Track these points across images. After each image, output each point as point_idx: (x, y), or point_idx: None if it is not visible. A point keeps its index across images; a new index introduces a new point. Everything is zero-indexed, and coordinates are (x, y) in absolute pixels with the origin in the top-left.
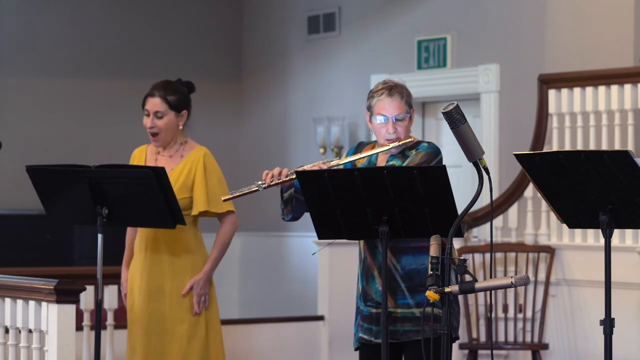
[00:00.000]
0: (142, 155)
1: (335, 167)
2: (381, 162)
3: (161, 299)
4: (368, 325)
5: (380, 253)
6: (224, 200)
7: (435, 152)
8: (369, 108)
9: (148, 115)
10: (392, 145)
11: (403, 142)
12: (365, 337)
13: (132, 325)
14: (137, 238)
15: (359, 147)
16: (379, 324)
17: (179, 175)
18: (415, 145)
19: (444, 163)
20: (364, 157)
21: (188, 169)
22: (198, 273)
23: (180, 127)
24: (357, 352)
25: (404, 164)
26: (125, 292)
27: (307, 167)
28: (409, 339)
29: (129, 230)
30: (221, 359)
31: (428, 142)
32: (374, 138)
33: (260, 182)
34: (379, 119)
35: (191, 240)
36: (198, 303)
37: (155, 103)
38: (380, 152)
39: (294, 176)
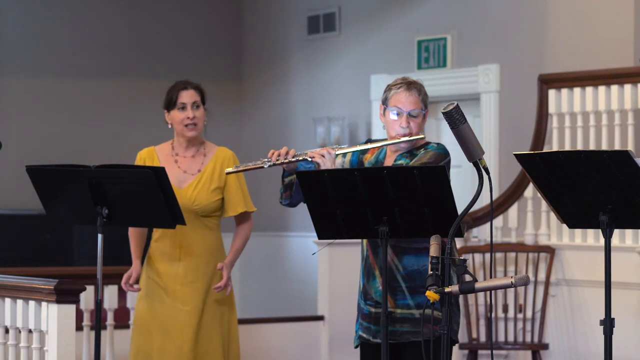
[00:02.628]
0: (154, 157)
1: (342, 152)
2: (389, 160)
3: (198, 299)
4: (367, 324)
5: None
6: (228, 173)
7: (444, 153)
8: (384, 101)
9: (184, 108)
10: (403, 139)
11: (414, 137)
12: (365, 335)
13: (154, 330)
14: (164, 243)
15: (366, 144)
16: (378, 324)
17: (211, 177)
18: (424, 145)
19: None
20: (374, 147)
21: (219, 170)
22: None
23: (205, 123)
24: (357, 351)
25: (411, 162)
26: (131, 281)
27: (315, 151)
28: (407, 340)
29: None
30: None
31: (437, 143)
32: (376, 136)
33: (265, 160)
34: (393, 112)
35: (219, 242)
36: (226, 283)
37: (192, 94)
38: (391, 144)
39: (300, 158)
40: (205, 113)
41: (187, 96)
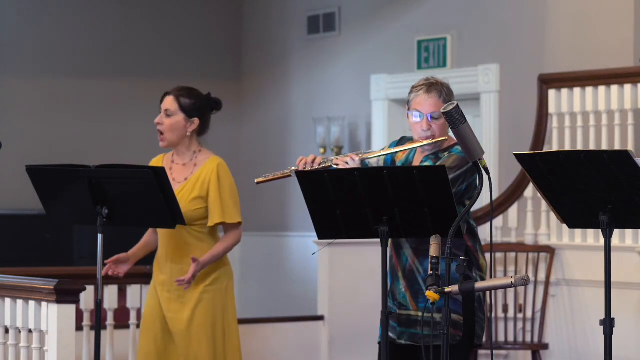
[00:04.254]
0: (159, 165)
1: (365, 157)
2: (417, 161)
3: (181, 309)
4: (392, 323)
5: (405, 254)
6: (257, 183)
7: None
8: (408, 103)
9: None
10: (425, 142)
11: (437, 139)
12: (391, 335)
13: (150, 332)
14: (159, 248)
15: (400, 142)
16: (403, 325)
17: (193, 186)
18: (450, 147)
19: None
20: (399, 152)
21: (202, 180)
22: (217, 282)
23: (188, 134)
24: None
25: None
26: (111, 259)
27: (339, 159)
28: (428, 344)
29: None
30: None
31: None
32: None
33: (293, 168)
34: (414, 115)
35: (209, 250)
36: (189, 280)
37: (168, 101)
38: (413, 147)
39: (326, 164)
40: (191, 124)
41: (164, 102)
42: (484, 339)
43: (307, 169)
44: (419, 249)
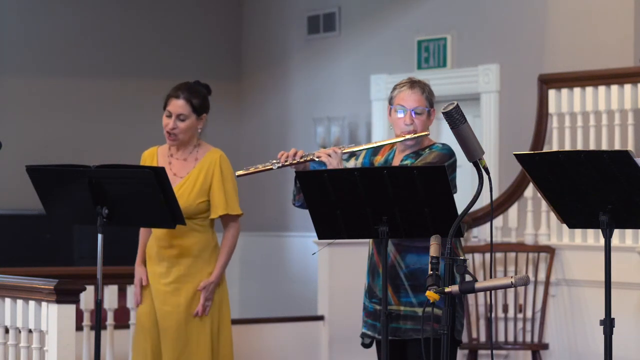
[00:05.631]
0: (154, 158)
1: (348, 151)
2: (397, 161)
3: (178, 301)
4: (372, 321)
5: (387, 250)
6: (238, 176)
7: (449, 153)
8: (390, 100)
9: (169, 116)
10: (408, 136)
11: (419, 134)
12: (369, 333)
13: (145, 329)
14: (152, 242)
15: (375, 152)
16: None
17: (195, 179)
18: (430, 145)
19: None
20: (381, 146)
21: (205, 173)
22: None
23: (199, 131)
24: (358, 350)
25: (415, 162)
26: (139, 289)
27: (322, 151)
28: (410, 338)
29: (143, 230)
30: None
31: (443, 144)
32: (377, 137)
33: (274, 161)
34: (397, 110)
35: (209, 243)
36: (204, 306)
37: (180, 105)
38: (396, 142)
39: (308, 158)
40: (200, 121)
41: (175, 106)
42: (466, 335)
43: (289, 162)
44: (401, 244)
